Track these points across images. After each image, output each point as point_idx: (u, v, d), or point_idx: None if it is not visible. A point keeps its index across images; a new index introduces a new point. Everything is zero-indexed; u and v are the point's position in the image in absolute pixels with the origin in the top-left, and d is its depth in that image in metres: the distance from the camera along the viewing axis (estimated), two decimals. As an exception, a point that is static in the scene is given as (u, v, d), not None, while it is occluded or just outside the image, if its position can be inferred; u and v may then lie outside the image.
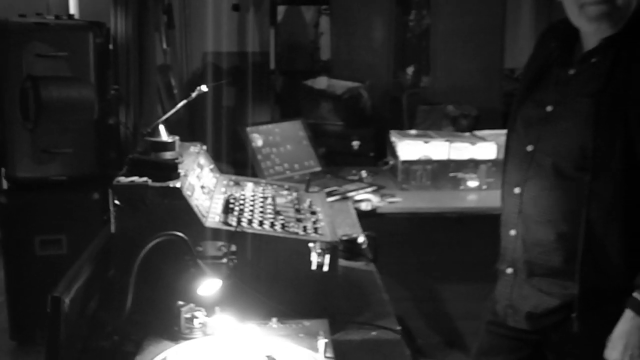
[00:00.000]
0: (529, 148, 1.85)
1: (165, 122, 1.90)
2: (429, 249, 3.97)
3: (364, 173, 3.53)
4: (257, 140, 3.20)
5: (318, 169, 3.39)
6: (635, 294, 1.69)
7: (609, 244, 1.73)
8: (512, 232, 1.90)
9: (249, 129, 3.21)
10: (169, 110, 2.00)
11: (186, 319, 1.55)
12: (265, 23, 5.99)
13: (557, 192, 1.79)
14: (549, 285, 1.84)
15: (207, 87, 1.96)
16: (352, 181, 3.40)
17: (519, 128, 1.92)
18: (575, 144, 1.74)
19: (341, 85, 5.68)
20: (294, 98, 5.90)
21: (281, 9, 6.24)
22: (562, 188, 1.78)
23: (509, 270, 1.93)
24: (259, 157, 3.17)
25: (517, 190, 1.87)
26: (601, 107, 1.71)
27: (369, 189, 3.28)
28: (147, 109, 3.95)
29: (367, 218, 2.91)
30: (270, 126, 3.32)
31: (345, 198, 3.10)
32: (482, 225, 3.19)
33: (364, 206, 3.05)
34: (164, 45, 5.38)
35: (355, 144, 5.36)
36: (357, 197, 3.15)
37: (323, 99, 5.66)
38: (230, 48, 6.12)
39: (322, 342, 1.48)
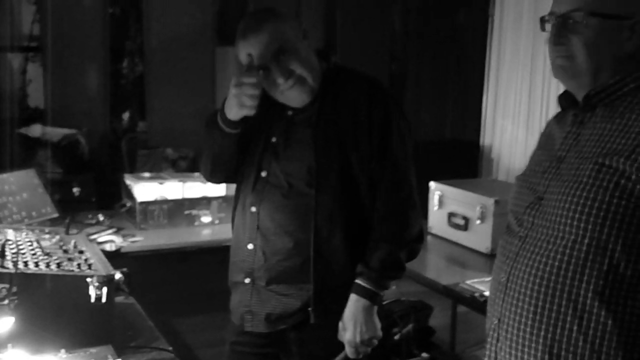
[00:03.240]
0: (263, 174, 2.12)
1: None
2: (168, 284, 4.18)
3: (100, 216, 3.65)
4: (-8, 191, 3.19)
5: (55, 215, 3.44)
6: (357, 280, 2.05)
7: (333, 246, 2.07)
8: (250, 246, 2.14)
9: (-18, 179, 3.19)
10: None
11: (-19, 358, 1.64)
12: (-32, 70, 5.79)
13: (291, 207, 2.08)
14: (287, 289, 2.11)
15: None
16: (91, 224, 3.52)
17: (249, 157, 2.18)
18: (304, 166, 2.07)
19: (57, 133, 5.67)
20: (4, 147, 5.74)
21: (-16, 55, 6.03)
22: (295, 203, 2.08)
23: (247, 280, 2.16)
24: (-4, 206, 3.17)
25: (253, 209, 2.13)
26: (318, 137, 2.07)
27: (110, 231, 3.43)
28: None
29: (112, 258, 3.05)
30: (4, 175, 3.32)
31: (89, 241, 3.21)
32: (215, 257, 3.49)
33: (109, 247, 3.19)
34: None
35: (76, 190, 5.39)
36: (100, 239, 3.28)
37: (39, 147, 5.60)
38: None
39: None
